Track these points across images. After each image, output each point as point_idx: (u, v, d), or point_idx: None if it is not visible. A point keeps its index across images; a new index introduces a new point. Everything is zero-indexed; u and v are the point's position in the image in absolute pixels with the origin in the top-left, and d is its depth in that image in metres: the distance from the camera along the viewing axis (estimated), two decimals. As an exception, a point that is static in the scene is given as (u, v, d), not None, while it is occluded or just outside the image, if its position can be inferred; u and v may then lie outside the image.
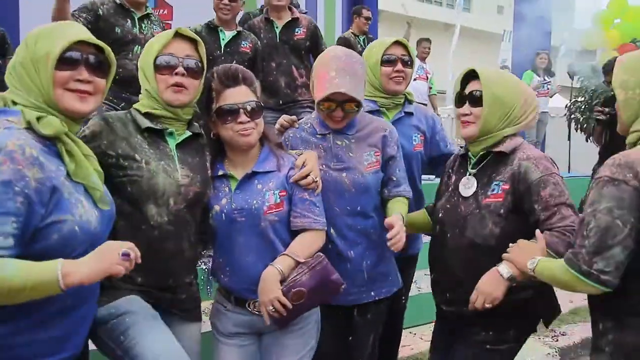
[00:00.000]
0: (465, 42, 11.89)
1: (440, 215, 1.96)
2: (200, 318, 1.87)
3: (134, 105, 1.72)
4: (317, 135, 2.01)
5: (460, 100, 1.91)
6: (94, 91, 1.37)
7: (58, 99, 1.32)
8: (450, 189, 1.97)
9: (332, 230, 1.93)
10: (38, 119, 1.29)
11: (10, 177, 1.19)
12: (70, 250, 1.30)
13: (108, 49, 1.43)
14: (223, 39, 3.48)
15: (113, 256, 1.29)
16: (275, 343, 1.83)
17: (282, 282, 1.67)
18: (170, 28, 3.79)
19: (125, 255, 1.30)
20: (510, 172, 1.81)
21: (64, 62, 1.32)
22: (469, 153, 1.95)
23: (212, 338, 1.90)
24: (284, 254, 1.72)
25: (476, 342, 1.87)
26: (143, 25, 3.22)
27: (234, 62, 2.94)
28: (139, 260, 1.34)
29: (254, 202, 1.74)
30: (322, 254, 1.76)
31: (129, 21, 3.17)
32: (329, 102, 1.92)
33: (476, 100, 1.84)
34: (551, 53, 8.44)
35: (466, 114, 1.86)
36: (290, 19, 3.67)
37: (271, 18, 3.66)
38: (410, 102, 2.38)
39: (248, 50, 3.51)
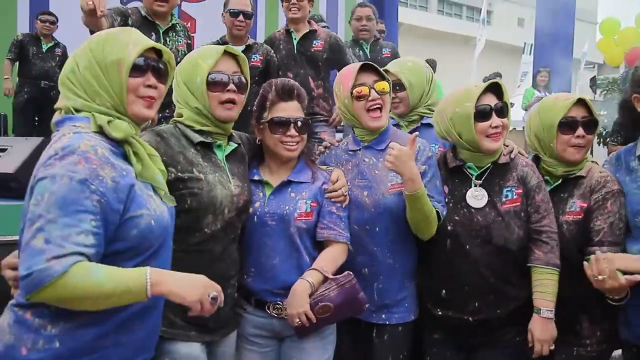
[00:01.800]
0: (486, 54, 11.89)
1: (450, 228, 1.96)
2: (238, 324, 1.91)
3: (180, 120, 1.77)
4: (349, 152, 2.06)
5: (487, 113, 1.95)
6: (157, 96, 1.42)
7: (129, 104, 1.36)
8: (451, 202, 2.00)
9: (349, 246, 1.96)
10: (108, 122, 1.33)
11: (86, 176, 1.22)
12: (148, 246, 1.33)
13: (168, 52, 1.46)
14: None
15: (204, 292, 1.31)
16: (295, 347, 1.88)
17: (310, 295, 1.75)
18: (193, 41, 3.87)
19: (214, 299, 1.32)
20: (517, 177, 1.96)
21: (135, 69, 1.36)
22: (466, 165, 2.00)
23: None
24: (313, 269, 1.79)
25: (510, 342, 1.96)
26: (168, 39, 3.27)
27: None
28: (221, 304, 1.35)
29: (287, 207, 1.83)
30: (351, 273, 1.83)
31: (154, 34, 3.22)
32: (361, 87, 1.93)
33: (503, 112, 1.97)
34: (573, 65, 8.41)
35: (498, 126, 1.95)
36: (308, 30, 3.74)
37: (290, 30, 3.74)
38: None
39: (258, 64, 3.56)
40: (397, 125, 2.31)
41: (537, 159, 2.11)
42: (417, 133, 1.94)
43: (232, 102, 1.73)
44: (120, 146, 1.35)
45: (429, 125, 2.28)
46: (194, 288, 1.31)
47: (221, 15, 3.59)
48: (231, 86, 1.72)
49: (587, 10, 23.97)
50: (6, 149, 3.40)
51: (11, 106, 5.72)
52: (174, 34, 3.31)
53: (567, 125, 1.98)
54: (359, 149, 2.04)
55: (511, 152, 2.02)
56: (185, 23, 3.68)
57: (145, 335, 1.39)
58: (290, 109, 1.84)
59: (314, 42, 3.75)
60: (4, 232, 3.09)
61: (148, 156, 1.41)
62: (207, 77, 1.71)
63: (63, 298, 1.20)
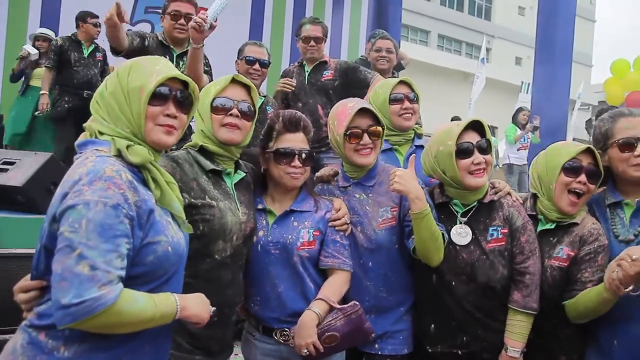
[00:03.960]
0: (483, 91, 12.11)
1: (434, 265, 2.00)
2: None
3: (190, 145, 1.84)
4: (341, 188, 2.11)
5: (469, 150, 1.98)
6: (178, 126, 1.44)
7: (147, 131, 1.39)
8: None
9: None
10: (127, 147, 1.35)
11: (118, 200, 1.24)
12: (162, 273, 1.36)
13: (193, 84, 1.49)
14: None
15: (207, 308, 1.44)
16: None
17: (317, 324, 1.79)
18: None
19: (213, 313, 1.46)
20: (502, 217, 2.00)
21: (155, 97, 1.38)
22: (452, 202, 2.04)
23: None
24: (320, 299, 1.83)
25: None
26: (181, 63, 3.36)
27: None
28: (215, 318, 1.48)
29: (289, 237, 1.87)
30: (357, 303, 1.87)
31: (167, 57, 3.33)
32: (355, 129, 1.99)
33: (486, 149, 2.00)
34: (568, 106, 8.59)
35: (480, 162, 1.97)
36: (319, 62, 3.85)
37: (304, 63, 3.87)
38: (419, 136, 2.47)
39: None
40: (390, 149, 2.36)
41: (534, 197, 2.14)
42: (414, 155, 2.02)
43: (234, 125, 1.78)
44: (139, 172, 1.37)
45: (422, 147, 2.35)
46: (205, 307, 1.43)
47: (235, 62, 3.60)
48: (234, 111, 1.79)
49: (582, 53, 24.53)
50: (15, 163, 3.46)
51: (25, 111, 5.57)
52: (187, 58, 3.40)
53: (571, 169, 2.00)
54: (349, 185, 2.10)
55: (497, 192, 2.06)
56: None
57: (153, 359, 1.42)
58: (296, 140, 1.90)
59: (324, 72, 3.85)
60: (11, 244, 3.14)
61: (166, 183, 1.43)
62: (212, 100, 1.79)
63: (108, 325, 1.23)
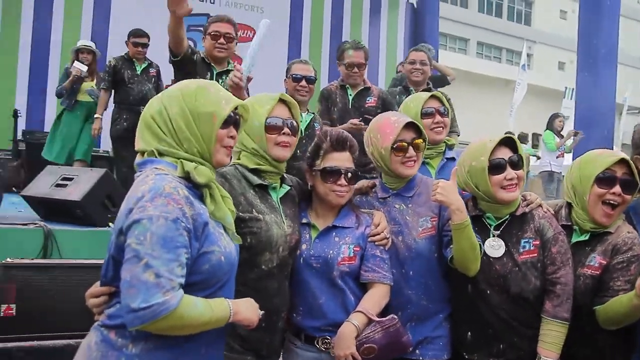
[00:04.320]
0: (525, 97, 11.89)
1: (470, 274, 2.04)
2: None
3: (239, 162, 1.93)
4: (380, 199, 2.16)
5: (501, 166, 2.00)
6: (234, 145, 1.59)
7: (215, 152, 1.51)
8: None
9: None
10: (195, 168, 1.46)
11: (177, 215, 1.35)
12: (216, 281, 1.46)
13: (244, 105, 1.62)
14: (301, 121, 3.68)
15: (256, 312, 1.55)
16: None
17: (356, 336, 1.84)
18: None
19: (262, 317, 1.58)
20: (534, 229, 2.02)
21: (224, 122, 1.51)
22: (485, 215, 2.08)
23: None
24: (359, 311, 1.89)
25: None
26: (220, 81, 3.45)
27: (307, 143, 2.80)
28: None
29: (330, 252, 1.94)
30: (395, 317, 1.92)
31: (208, 75, 3.45)
32: (401, 143, 2.05)
33: (517, 164, 2.02)
34: (615, 110, 8.36)
35: (512, 178, 2.00)
36: (362, 87, 3.90)
37: (346, 86, 3.90)
38: (450, 148, 2.52)
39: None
40: (423, 163, 2.36)
41: (569, 207, 2.13)
42: (456, 168, 2.06)
43: (287, 143, 1.89)
44: (194, 187, 1.47)
45: (453, 159, 2.41)
46: (254, 311, 1.54)
47: (283, 81, 3.67)
48: (285, 130, 1.89)
49: (630, 55, 23.72)
50: (73, 179, 3.69)
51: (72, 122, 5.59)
52: (226, 77, 3.48)
53: (605, 180, 1.98)
54: (389, 196, 2.15)
55: (529, 204, 2.08)
56: (234, 62, 3.95)
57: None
58: (342, 159, 1.96)
59: (368, 98, 3.93)
60: (71, 255, 3.34)
61: (221, 197, 1.54)
62: (265, 121, 1.88)
63: (171, 327, 1.35)
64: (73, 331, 3.09)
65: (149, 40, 5.41)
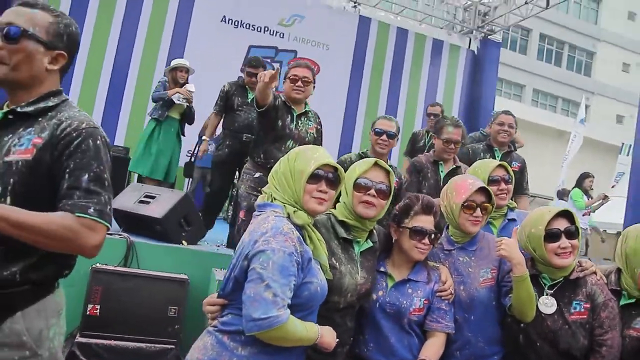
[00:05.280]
0: (579, 149, 11.74)
1: (523, 325, 2.27)
2: None
3: (333, 213, 2.20)
4: (445, 251, 2.44)
5: (557, 235, 2.23)
6: (327, 198, 1.86)
7: (305, 202, 1.83)
8: None
9: None
10: (294, 212, 1.81)
11: (292, 250, 1.69)
12: (310, 305, 1.79)
13: (341, 168, 1.92)
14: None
15: (334, 339, 1.84)
16: None
17: None
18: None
19: (337, 344, 1.87)
20: (586, 293, 2.23)
21: (312, 177, 1.82)
22: (541, 276, 2.29)
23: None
24: (423, 359, 2.15)
25: None
26: (299, 122, 3.81)
27: None
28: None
29: (404, 302, 2.21)
30: None
31: (289, 117, 3.77)
32: (471, 202, 2.34)
33: (573, 234, 2.24)
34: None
35: (566, 247, 2.22)
36: (454, 167, 3.98)
37: (438, 162, 3.98)
38: (512, 209, 2.79)
39: (395, 186, 3.89)
40: (487, 223, 2.64)
41: (619, 272, 2.33)
42: (517, 227, 2.32)
43: (370, 203, 2.12)
44: (300, 230, 1.82)
45: (514, 220, 2.70)
46: (334, 337, 1.85)
47: (369, 133, 3.89)
48: (372, 191, 2.13)
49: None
50: (155, 197, 4.07)
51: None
52: (305, 118, 3.88)
53: None
54: (454, 249, 2.43)
55: (583, 270, 2.30)
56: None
57: None
58: (428, 222, 2.23)
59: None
60: (149, 266, 3.68)
61: (318, 240, 1.88)
62: (356, 180, 2.15)
63: (278, 337, 1.66)
64: (145, 336, 3.42)
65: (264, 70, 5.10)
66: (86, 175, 1.45)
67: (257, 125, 3.85)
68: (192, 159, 6.66)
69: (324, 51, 9.01)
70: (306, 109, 3.89)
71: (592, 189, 8.54)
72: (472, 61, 10.02)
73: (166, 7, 8.10)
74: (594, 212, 8.58)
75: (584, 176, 8.65)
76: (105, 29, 7.75)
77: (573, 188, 8.70)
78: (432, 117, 5.90)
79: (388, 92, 9.37)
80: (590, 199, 8.42)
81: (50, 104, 1.55)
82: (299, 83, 3.76)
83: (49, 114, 1.53)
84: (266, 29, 8.69)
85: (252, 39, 8.53)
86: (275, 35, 8.79)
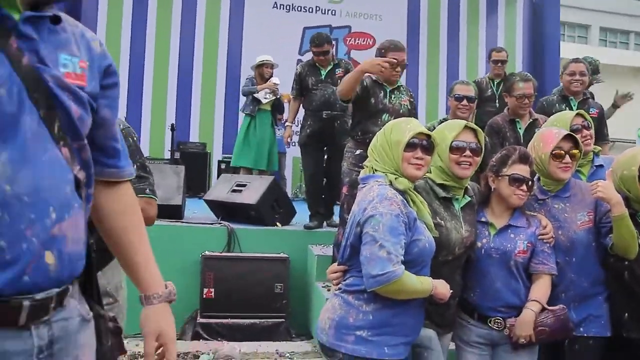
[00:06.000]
0: (658, 86, 11.03)
1: (627, 262, 2.32)
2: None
3: (430, 177, 2.32)
4: (539, 201, 2.51)
5: None
6: (424, 164, 2.01)
7: (404, 169, 1.98)
8: None
9: None
10: (395, 178, 1.96)
11: (399, 212, 1.86)
12: (421, 261, 1.94)
13: (433, 135, 2.07)
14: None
15: (448, 290, 1.97)
16: (509, 353, 2.34)
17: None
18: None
19: (451, 294, 2.02)
20: None
21: (408, 145, 1.97)
22: (638, 214, 2.32)
23: (456, 346, 2.46)
24: (535, 300, 2.27)
25: None
26: (393, 96, 3.86)
27: None
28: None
29: (508, 245, 2.32)
30: (565, 307, 2.30)
31: (382, 93, 3.83)
32: (559, 150, 2.41)
33: None
34: None
35: None
36: (530, 121, 3.88)
37: (515, 119, 3.90)
38: (597, 155, 2.81)
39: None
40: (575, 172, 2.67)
41: None
42: (611, 169, 2.39)
43: (468, 163, 2.24)
44: (403, 195, 2.00)
45: (602, 166, 2.73)
46: (447, 289, 1.99)
47: (447, 99, 3.98)
48: (467, 152, 2.25)
49: None
50: (246, 185, 4.35)
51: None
52: (397, 92, 3.91)
53: None
54: (547, 198, 2.50)
55: None
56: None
57: (416, 322, 2.03)
58: (525, 171, 2.33)
59: (536, 129, 3.85)
60: (247, 249, 3.98)
61: (420, 202, 2.05)
62: (451, 144, 2.26)
63: (395, 291, 1.84)
64: (257, 312, 3.73)
65: (329, 45, 5.11)
66: (134, 166, 1.73)
67: (352, 106, 3.91)
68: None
69: (378, 22, 8.95)
70: (398, 83, 3.96)
71: None
72: (530, 8, 9.62)
73: (219, 3, 8.34)
74: None
75: None
76: (165, 32, 8.06)
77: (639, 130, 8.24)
78: (499, 64, 5.69)
79: (447, 56, 9.18)
80: None
81: None
82: (398, 68, 3.79)
83: None
84: (318, 8, 8.75)
85: (306, 21, 8.62)
86: (327, 13, 8.84)
